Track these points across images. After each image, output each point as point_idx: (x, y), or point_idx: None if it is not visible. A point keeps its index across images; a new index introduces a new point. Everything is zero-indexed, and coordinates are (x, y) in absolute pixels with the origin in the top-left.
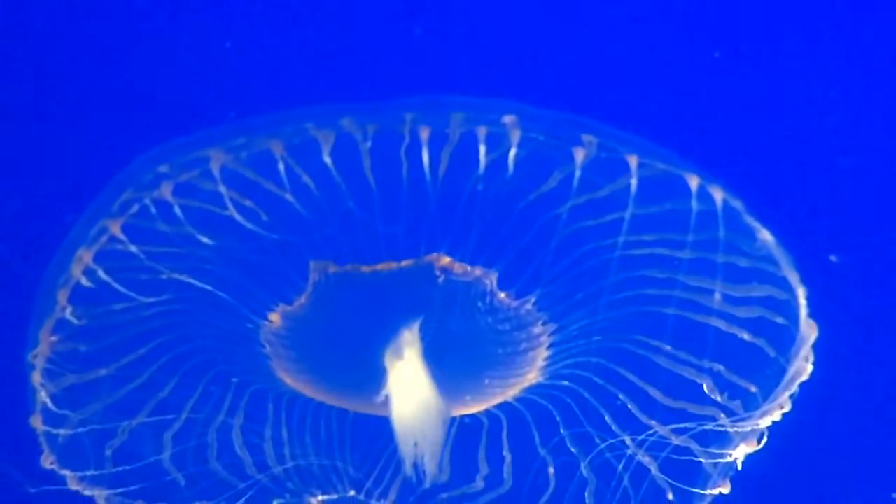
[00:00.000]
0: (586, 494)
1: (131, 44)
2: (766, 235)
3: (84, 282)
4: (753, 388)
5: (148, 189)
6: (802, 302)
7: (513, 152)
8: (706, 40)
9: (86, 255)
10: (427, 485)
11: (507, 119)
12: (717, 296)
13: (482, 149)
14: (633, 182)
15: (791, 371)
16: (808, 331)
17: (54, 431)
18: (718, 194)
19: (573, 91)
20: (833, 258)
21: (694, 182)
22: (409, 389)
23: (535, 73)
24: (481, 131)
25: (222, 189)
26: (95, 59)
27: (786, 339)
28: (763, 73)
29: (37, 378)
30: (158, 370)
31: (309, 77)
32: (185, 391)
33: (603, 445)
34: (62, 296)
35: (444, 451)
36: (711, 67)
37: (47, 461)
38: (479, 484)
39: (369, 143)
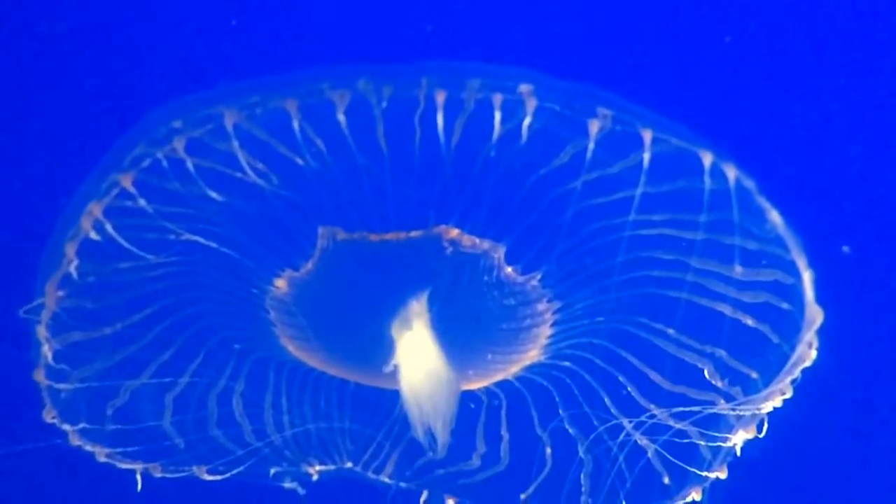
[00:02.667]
0: (582, 476)
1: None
2: (776, 217)
3: (93, 236)
4: (754, 374)
5: (160, 144)
6: (809, 286)
7: (527, 121)
8: (726, 18)
9: (95, 209)
10: (439, 454)
11: (524, 88)
12: (738, 268)
13: (497, 115)
14: (647, 157)
15: (794, 357)
16: (814, 316)
17: (56, 386)
18: (731, 172)
19: (589, 66)
20: (845, 249)
21: (707, 159)
22: (419, 360)
23: (553, 46)
24: (497, 98)
25: (234, 147)
26: (108, 14)
27: (790, 325)
28: (779, 57)
29: (42, 332)
30: (163, 332)
31: (325, 42)
32: (188, 355)
33: (602, 428)
34: (70, 249)
35: (454, 420)
36: (726, 48)
37: (49, 415)
38: (476, 461)
39: (384, 105)
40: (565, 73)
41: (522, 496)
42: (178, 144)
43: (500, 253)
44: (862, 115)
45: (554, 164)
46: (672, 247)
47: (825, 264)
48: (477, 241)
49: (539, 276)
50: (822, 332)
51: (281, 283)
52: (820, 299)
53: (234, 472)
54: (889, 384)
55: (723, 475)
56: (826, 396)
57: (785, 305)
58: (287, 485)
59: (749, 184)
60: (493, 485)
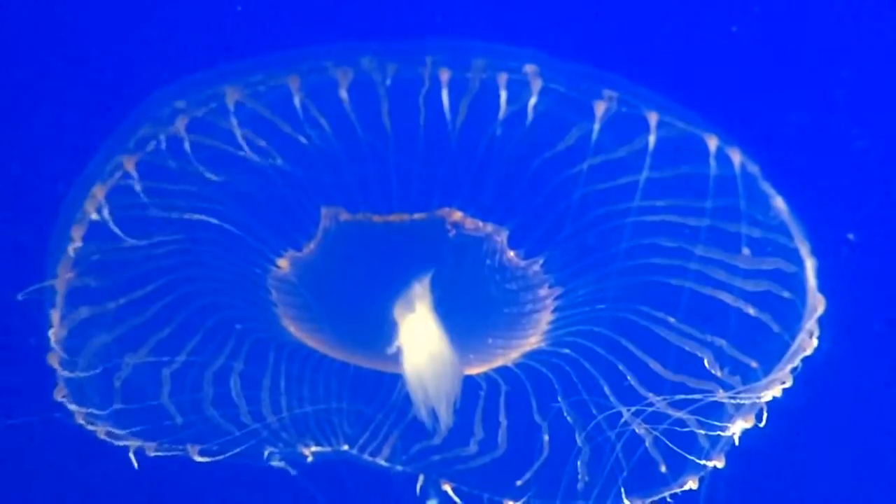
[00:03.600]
0: (579, 463)
1: None
2: (780, 203)
3: (97, 217)
4: (754, 364)
5: (164, 124)
6: (811, 274)
7: (532, 101)
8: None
9: (99, 192)
10: (442, 434)
11: (529, 68)
12: (746, 251)
13: (502, 95)
14: (652, 139)
15: (794, 346)
16: (815, 304)
17: (65, 370)
18: (737, 157)
19: (596, 48)
20: (850, 236)
21: (713, 143)
22: (422, 342)
23: (560, 28)
24: (502, 78)
25: (236, 126)
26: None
27: (791, 314)
28: (786, 42)
29: (54, 315)
30: (164, 310)
31: (330, 22)
32: (189, 333)
33: (600, 417)
34: (76, 232)
35: (457, 401)
36: (733, 32)
37: (59, 394)
38: (473, 448)
39: (389, 83)
40: (571, 56)
41: (518, 482)
42: (181, 124)
43: (502, 237)
44: (869, 102)
45: (559, 148)
46: (675, 234)
47: (829, 252)
48: (480, 224)
49: (541, 262)
50: (825, 322)
51: (283, 263)
52: (823, 288)
53: (231, 453)
54: (891, 375)
55: (720, 464)
56: (827, 387)
57: (786, 294)
58: (278, 464)
59: (754, 169)
60: (490, 471)
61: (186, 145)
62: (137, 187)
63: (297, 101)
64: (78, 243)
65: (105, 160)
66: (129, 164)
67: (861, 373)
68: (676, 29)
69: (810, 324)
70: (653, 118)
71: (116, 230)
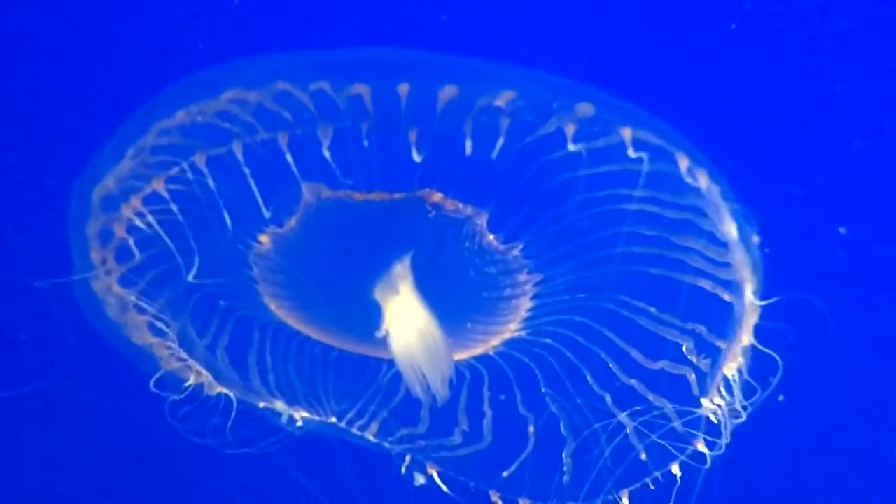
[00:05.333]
0: (564, 454)
1: None
2: (732, 229)
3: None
4: (723, 344)
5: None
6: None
7: (506, 122)
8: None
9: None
10: (439, 403)
11: (503, 100)
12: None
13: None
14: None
15: (738, 317)
16: (743, 272)
17: None
18: (703, 178)
19: (582, 58)
20: (842, 230)
21: (684, 163)
22: (408, 321)
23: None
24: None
25: (222, 100)
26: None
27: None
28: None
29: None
30: (149, 285)
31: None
32: (174, 309)
33: (582, 402)
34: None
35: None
36: (727, 38)
37: None
38: (457, 438)
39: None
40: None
41: (504, 474)
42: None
43: (482, 219)
44: (868, 100)
45: (539, 133)
46: (653, 223)
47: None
48: (460, 205)
49: (520, 247)
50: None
51: (264, 239)
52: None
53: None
54: (878, 369)
55: (701, 447)
56: (819, 385)
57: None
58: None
59: (716, 189)
60: (475, 460)
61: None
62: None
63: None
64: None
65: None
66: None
67: (861, 372)
68: (675, 25)
69: (748, 293)
70: (627, 133)
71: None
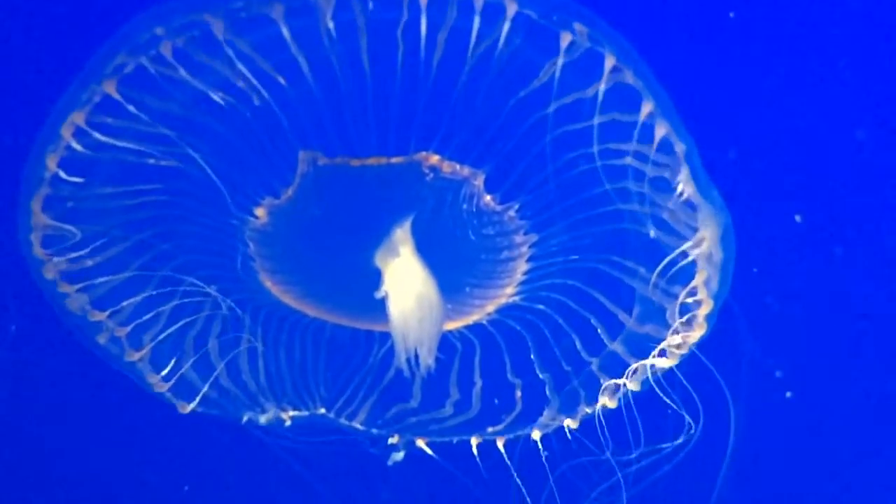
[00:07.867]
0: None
1: None
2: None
3: (74, 145)
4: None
5: (143, 51)
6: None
7: (506, 28)
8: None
9: (77, 118)
10: (422, 373)
11: None
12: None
13: (476, 21)
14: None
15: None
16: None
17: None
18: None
19: None
20: (798, 218)
21: (647, 108)
22: (408, 284)
23: None
24: (478, 2)
25: (216, 61)
26: None
27: None
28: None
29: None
30: (142, 267)
31: None
32: (167, 292)
33: (570, 369)
34: (51, 161)
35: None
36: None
37: None
38: (449, 410)
39: (371, 5)
40: None
41: (490, 429)
42: (165, 50)
43: (479, 180)
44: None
45: (532, 87)
46: (642, 179)
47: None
48: (457, 167)
49: (516, 207)
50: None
51: (261, 212)
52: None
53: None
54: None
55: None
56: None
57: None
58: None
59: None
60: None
61: (161, 79)
62: (114, 122)
63: (284, 32)
64: (53, 172)
65: (82, 87)
66: (109, 88)
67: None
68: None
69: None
70: (609, 62)
71: (93, 175)
